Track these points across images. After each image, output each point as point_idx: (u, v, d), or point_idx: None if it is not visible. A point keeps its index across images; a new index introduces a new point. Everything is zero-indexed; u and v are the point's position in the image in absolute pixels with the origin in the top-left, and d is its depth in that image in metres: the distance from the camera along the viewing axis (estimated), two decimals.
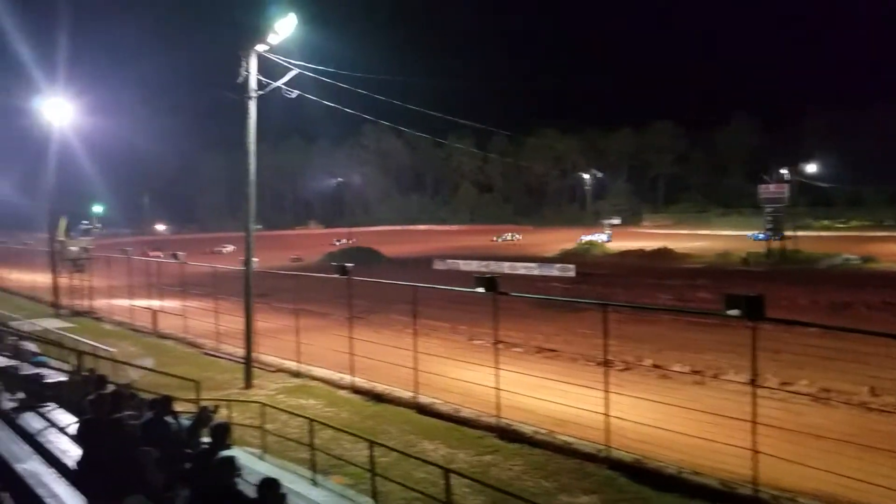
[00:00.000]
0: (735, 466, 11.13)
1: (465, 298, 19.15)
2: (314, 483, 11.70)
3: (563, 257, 70.81)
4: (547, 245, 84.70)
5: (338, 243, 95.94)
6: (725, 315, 10.83)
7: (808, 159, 79.98)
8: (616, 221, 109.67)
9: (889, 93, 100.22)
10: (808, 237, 67.92)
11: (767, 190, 63.33)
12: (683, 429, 12.74)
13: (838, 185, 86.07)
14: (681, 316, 27.10)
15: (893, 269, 51.03)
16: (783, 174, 66.25)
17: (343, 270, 19.91)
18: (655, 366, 21.22)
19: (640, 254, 69.15)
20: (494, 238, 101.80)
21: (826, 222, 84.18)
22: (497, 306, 15.24)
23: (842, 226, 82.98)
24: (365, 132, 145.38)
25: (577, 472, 12.33)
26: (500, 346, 15.68)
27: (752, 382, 10.96)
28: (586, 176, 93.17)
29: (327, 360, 20.63)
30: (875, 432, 14.17)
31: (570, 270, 54.94)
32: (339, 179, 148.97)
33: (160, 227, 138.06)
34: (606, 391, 12.74)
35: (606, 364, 13.29)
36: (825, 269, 54.02)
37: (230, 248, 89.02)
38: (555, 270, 56.37)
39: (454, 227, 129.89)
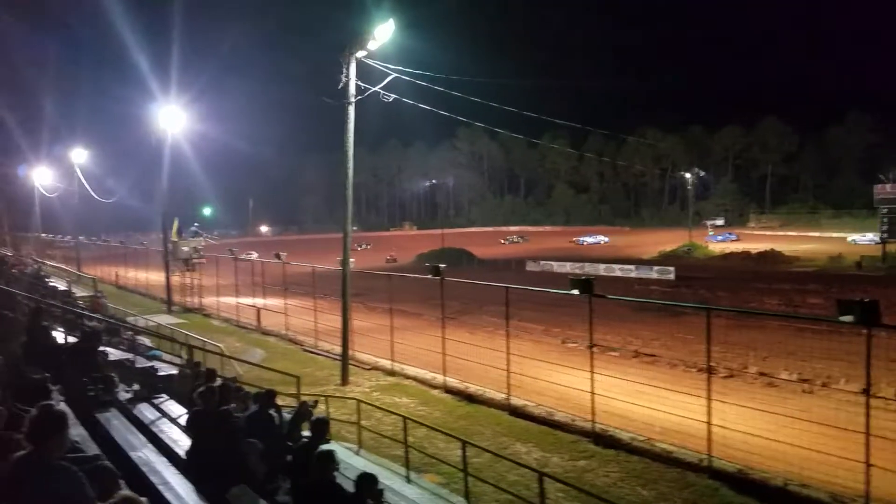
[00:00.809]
0: (846, 480, 10.47)
1: (559, 301, 18.96)
2: (408, 480, 11.85)
3: (663, 259, 68.81)
4: (645, 247, 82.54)
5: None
6: (838, 321, 10.23)
7: None
8: (719, 222, 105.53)
9: None
10: None
11: (884, 190, 59.31)
12: (790, 439, 12.09)
13: None
14: (789, 322, 25.75)
15: None
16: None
17: (436, 271, 20.11)
18: (761, 373, 20.28)
19: (745, 256, 66.27)
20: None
21: None
22: (592, 309, 14.96)
23: None
24: (459, 134, 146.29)
25: (676, 481, 11.94)
26: (596, 349, 15.39)
27: (866, 392, 10.29)
28: (688, 175, 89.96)
29: (420, 359, 20.87)
30: None
31: (670, 273, 53.29)
32: (433, 181, 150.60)
33: (264, 229, 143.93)
34: (709, 398, 12.27)
35: (709, 370, 12.80)
36: None
37: (364, 246, 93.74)
38: (653, 273, 54.84)
39: (548, 229, 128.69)
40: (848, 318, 9.99)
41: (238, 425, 7.43)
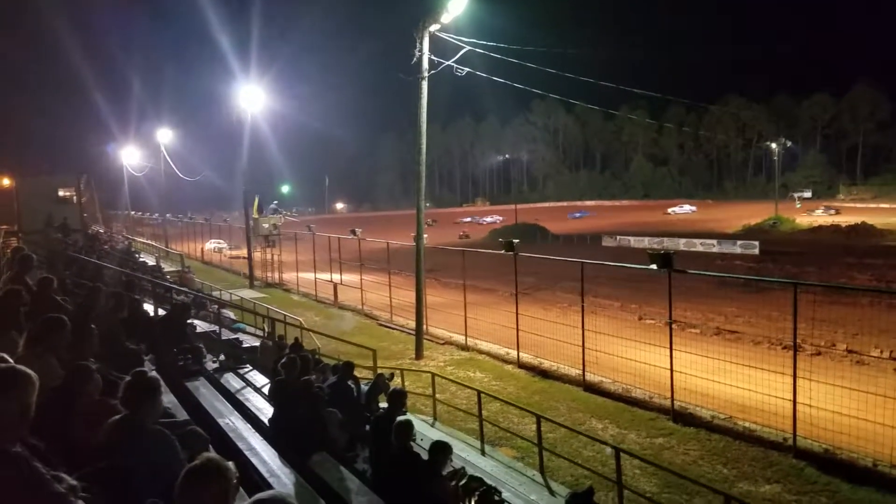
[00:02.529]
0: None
1: (637, 276, 18.56)
2: (483, 453, 11.96)
3: (747, 233, 66.36)
4: (728, 221, 79.75)
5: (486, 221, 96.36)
6: None
7: None
8: (807, 195, 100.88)
9: None
10: None
11: None
12: (881, 419, 11.55)
13: None
14: (881, 297, 24.49)
15: None
16: None
17: (510, 247, 20.02)
18: (850, 350, 19.40)
19: (834, 230, 63.19)
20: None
21: None
22: (671, 284, 14.61)
23: None
24: (533, 108, 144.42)
25: (759, 459, 11.61)
26: (675, 326, 15.05)
27: None
28: (774, 146, 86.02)
29: (494, 334, 20.91)
30: None
31: (754, 247, 51.40)
32: (507, 156, 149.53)
33: (339, 206, 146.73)
34: (795, 376, 11.84)
35: (795, 347, 12.32)
36: None
37: (492, 219, 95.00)
38: (737, 247, 53.00)
39: (625, 203, 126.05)
40: None
41: (319, 395, 7.65)
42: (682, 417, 13.77)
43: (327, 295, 31.80)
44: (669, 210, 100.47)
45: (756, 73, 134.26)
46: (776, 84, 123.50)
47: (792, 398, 11.78)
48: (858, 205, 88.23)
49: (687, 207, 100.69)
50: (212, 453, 3.04)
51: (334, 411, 7.42)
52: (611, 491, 9.53)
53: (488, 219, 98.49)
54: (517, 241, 20.95)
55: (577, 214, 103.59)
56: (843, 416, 11.47)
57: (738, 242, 55.07)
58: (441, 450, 6.32)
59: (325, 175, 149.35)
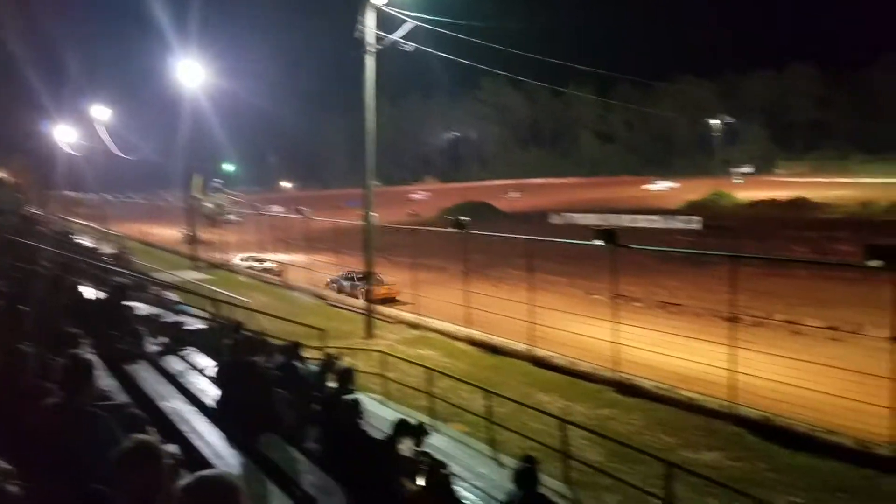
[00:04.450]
0: (873, 426, 10.44)
1: (584, 253, 18.86)
2: (434, 430, 12.02)
3: (690, 209, 67.90)
4: (673, 196, 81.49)
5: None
6: (866, 267, 10.08)
7: None
8: (749, 170, 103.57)
9: None
10: None
11: None
12: (817, 386, 12.03)
13: None
14: (816, 269, 25.42)
15: None
16: None
17: (459, 225, 20.05)
18: (788, 321, 20.10)
19: (773, 204, 65.14)
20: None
21: None
22: (616, 260, 14.87)
23: None
24: (482, 85, 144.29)
25: (701, 428, 11.99)
26: (620, 300, 15.35)
27: (894, 339, 10.18)
28: (717, 123, 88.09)
29: (445, 312, 21.00)
30: None
31: (697, 222, 52.66)
32: (456, 134, 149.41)
33: (286, 185, 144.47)
34: (732, 346, 12.23)
35: (733, 319, 12.72)
36: None
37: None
38: (679, 223, 54.21)
39: (573, 180, 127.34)
40: (876, 264, 9.83)
41: (266, 376, 7.54)
42: (627, 389, 14.11)
43: (275, 276, 31.39)
44: (647, 187, 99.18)
45: (702, 50, 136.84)
46: (722, 62, 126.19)
47: (731, 367, 12.17)
48: (797, 179, 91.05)
49: (664, 184, 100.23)
50: (147, 435, 2.96)
51: (282, 392, 7.34)
52: (559, 462, 9.71)
53: (417, 196, 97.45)
54: (467, 219, 21.01)
55: (517, 194, 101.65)
56: (781, 384, 11.90)
57: (681, 218, 56.33)
58: (402, 427, 6.38)
59: (271, 153, 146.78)
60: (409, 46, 20.03)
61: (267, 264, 33.90)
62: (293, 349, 9.27)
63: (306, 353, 10.53)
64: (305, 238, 31.96)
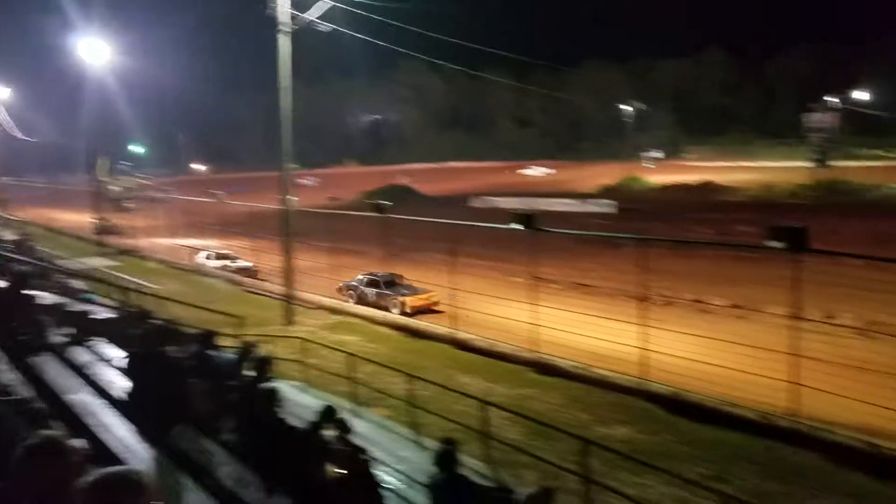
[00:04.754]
0: (775, 399, 11.08)
1: (504, 236, 19.10)
2: (355, 415, 11.98)
3: (604, 193, 69.78)
4: (587, 180, 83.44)
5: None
6: (767, 247, 10.63)
7: (860, 87, 76.60)
8: (660, 155, 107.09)
9: None
10: (859, 167, 65.57)
11: (813, 119, 61.31)
12: (723, 362, 12.66)
13: (890, 113, 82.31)
14: (722, 250, 26.63)
15: None
16: (831, 102, 63.87)
17: (379, 209, 19.95)
18: (696, 300, 21.01)
19: (682, 188, 67.75)
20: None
21: (879, 151, 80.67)
22: (534, 243, 15.14)
23: (894, 155, 79.44)
24: (402, 67, 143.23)
25: (614, 404, 12.42)
26: (538, 282, 15.65)
27: (794, 315, 10.79)
28: (623, 108, 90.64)
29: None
30: None
31: (610, 206, 54.21)
32: (376, 117, 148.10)
33: (198, 168, 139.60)
34: (643, 325, 12.69)
35: (644, 299, 13.19)
36: (873, 200, 52.26)
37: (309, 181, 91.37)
38: (594, 206, 55.68)
39: (492, 164, 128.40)
40: (776, 244, 10.37)
41: (179, 366, 7.31)
42: (545, 368, 14.45)
43: (188, 261, 30.40)
44: (523, 171, 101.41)
45: (614, 36, 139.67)
46: (632, 48, 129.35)
47: (642, 346, 12.63)
48: (704, 163, 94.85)
49: (540, 169, 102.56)
50: (52, 430, 2.81)
51: (196, 382, 7.13)
52: (480, 442, 9.85)
53: (306, 182, 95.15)
54: (388, 203, 20.93)
55: (405, 182, 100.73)
56: (689, 361, 12.45)
57: (596, 201, 57.90)
58: (322, 415, 6.31)
59: (182, 133, 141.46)
60: (326, 27, 19.65)
61: (241, 263, 29.21)
62: (207, 337, 9.02)
63: (222, 342, 10.26)
64: (222, 223, 31.07)
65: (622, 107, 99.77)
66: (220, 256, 29.46)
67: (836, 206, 47.10)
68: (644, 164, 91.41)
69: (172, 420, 6.27)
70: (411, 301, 20.71)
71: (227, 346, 10.81)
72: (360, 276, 22.81)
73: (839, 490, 9.06)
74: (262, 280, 26.63)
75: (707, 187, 66.17)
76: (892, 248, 27.73)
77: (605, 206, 54.84)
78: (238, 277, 24.01)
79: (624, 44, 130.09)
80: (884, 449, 9.85)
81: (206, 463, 5.44)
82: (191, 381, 7.13)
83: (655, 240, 17.07)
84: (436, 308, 20.92)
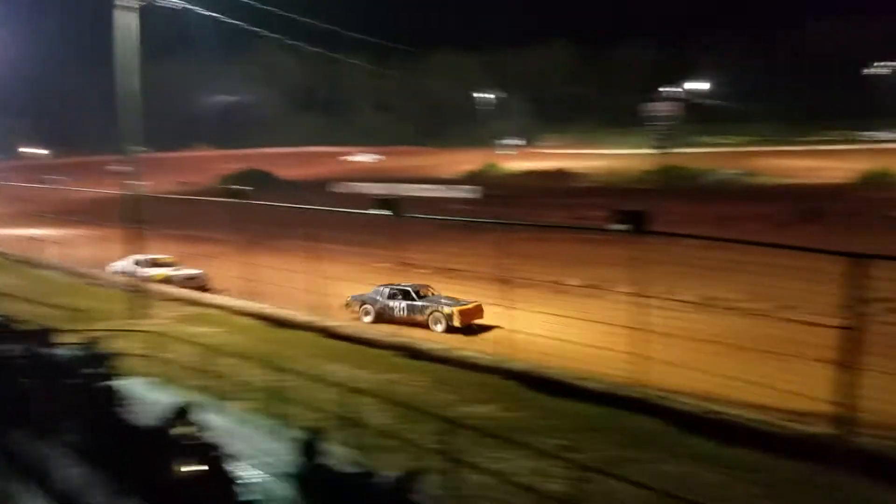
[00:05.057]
0: (627, 371, 11.80)
1: (369, 222, 19.02)
2: (214, 409, 11.52)
3: (466, 179, 71.21)
4: (449, 167, 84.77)
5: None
6: (614, 230, 11.29)
7: (698, 78, 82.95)
8: (518, 142, 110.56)
9: (770, 13, 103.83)
10: (697, 154, 71.04)
11: (654, 108, 65.79)
12: (580, 339, 13.33)
13: (727, 103, 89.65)
14: (577, 233, 27.98)
15: (772, 183, 54.36)
16: (671, 92, 68.82)
17: (238, 195, 19.24)
18: (554, 281, 21.95)
19: (538, 174, 70.50)
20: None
21: (716, 138, 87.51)
22: (400, 229, 15.21)
23: (728, 142, 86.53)
24: (258, 48, 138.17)
25: (477, 384, 12.74)
26: (404, 267, 15.74)
27: (640, 293, 11.54)
28: (481, 96, 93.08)
29: (226, 286, 20.14)
30: (752, 335, 15.32)
31: (473, 191, 55.43)
32: (231, 98, 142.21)
33: (36, 152, 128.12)
34: (505, 306, 13.10)
35: (506, 281, 13.62)
36: (708, 184, 56.85)
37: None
38: (456, 192, 56.70)
39: (351, 149, 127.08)
40: (622, 227, 11.06)
41: (11, 366, 6.70)
42: (412, 352, 14.58)
43: (23, 252, 27.91)
44: (348, 158, 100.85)
45: (469, 23, 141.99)
46: (489, 36, 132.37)
47: (504, 326, 13.07)
48: (559, 151, 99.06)
49: (368, 156, 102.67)
50: None
51: (32, 382, 6.56)
52: (347, 429, 9.77)
53: (116, 168, 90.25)
54: (247, 188, 20.21)
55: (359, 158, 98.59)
56: (548, 338, 13.01)
57: (459, 187, 59.03)
58: (173, 411, 5.97)
59: (9, 115, 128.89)
60: (177, 4, 18.61)
61: (186, 271, 24.09)
62: (43, 335, 8.33)
63: (62, 339, 9.50)
64: (62, 211, 28.75)
65: (479, 95, 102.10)
66: (155, 264, 23.67)
67: (676, 190, 50.83)
68: (503, 152, 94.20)
69: (7, 422, 5.74)
70: (460, 313, 17.74)
71: (68, 343, 10.03)
72: (379, 288, 19.47)
73: (682, 454, 9.77)
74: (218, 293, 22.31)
75: (561, 174, 69.32)
76: (725, 229, 30.33)
77: (467, 192, 55.96)
78: (185, 291, 20.93)
79: (477, 31, 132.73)
80: (720, 414, 10.75)
81: (45, 467, 5.02)
82: (25, 382, 6.57)
83: (516, 224, 17.65)
84: (481, 320, 18.06)
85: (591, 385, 12.06)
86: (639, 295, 11.71)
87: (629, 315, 11.99)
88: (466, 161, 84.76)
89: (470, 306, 18.03)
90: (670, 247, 17.22)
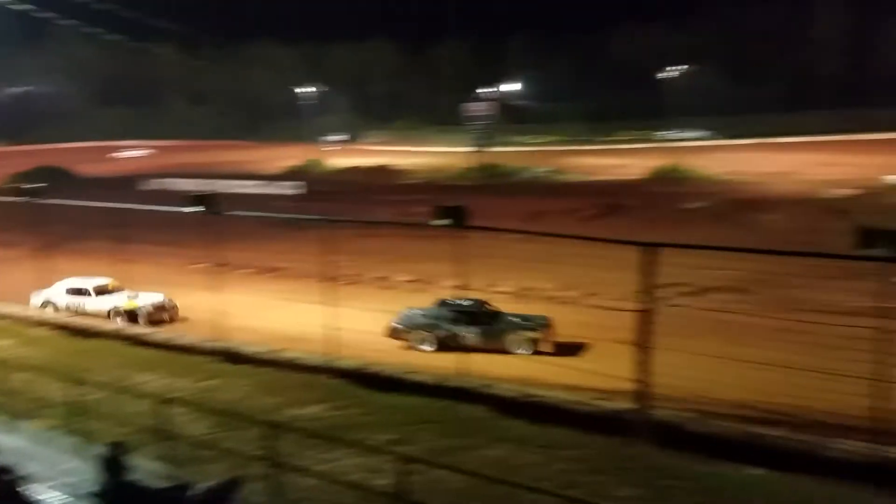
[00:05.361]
0: (449, 363, 12.16)
1: (184, 220, 17.93)
2: (6, 430, 10.42)
3: (288, 175, 69.66)
4: (270, 162, 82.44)
5: None
6: (437, 225, 11.61)
7: (512, 79, 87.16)
8: (342, 138, 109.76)
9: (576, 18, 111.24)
10: (513, 152, 74.64)
11: (471, 108, 68.57)
12: None
13: (537, 103, 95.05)
14: (399, 229, 28.28)
15: (577, 180, 58.42)
16: (487, 92, 72.01)
17: (31, 193, 17.46)
18: (381, 277, 22.10)
19: (363, 170, 70.62)
20: None
21: (528, 138, 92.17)
22: (217, 227, 14.54)
23: (539, 141, 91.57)
24: (54, 35, 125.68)
25: (304, 385, 12.52)
26: (224, 268, 15.08)
27: (463, 286, 11.96)
28: (304, 90, 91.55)
29: (24, 294, 18.23)
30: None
31: (296, 188, 54.38)
32: (22, 90, 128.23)
33: None
34: (331, 305, 13.00)
35: (332, 279, 13.51)
36: (524, 182, 59.98)
37: None
38: (279, 188, 55.34)
39: (163, 143, 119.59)
40: (443, 222, 11.41)
41: None
42: (233, 356, 14.03)
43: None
44: (115, 155, 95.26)
45: (295, 16, 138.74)
46: (315, 29, 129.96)
47: (331, 325, 12.95)
48: (383, 147, 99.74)
49: (138, 151, 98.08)
50: None
51: None
52: (159, 442, 9.20)
53: None
54: (42, 184, 18.38)
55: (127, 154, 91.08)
56: (375, 336, 13.08)
57: (281, 183, 57.67)
58: None
59: None
60: None
61: (150, 299, 18.71)
62: None
63: None
64: None
65: (302, 89, 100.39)
66: (102, 291, 18.88)
67: (493, 187, 53.09)
68: (327, 148, 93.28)
69: None
70: (546, 337, 15.65)
71: None
72: (434, 309, 16.57)
73: (506, 437, 10.23)
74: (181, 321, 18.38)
75: (385, 170, 70.01)
76: (538, 223, 32.12)
77: (289, 188, 54.83)
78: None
79: (299, 25, 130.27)
80: (538, 397, 11.40)
81: None
82: None
83: (341, 220, 17.52)
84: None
85: (420, 378, 12.30)
86: (463, 288, 12.10)
87: None
88: (289, 156, 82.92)
89: (549, 325, 16.05)
90: (491, 241, 18.02)
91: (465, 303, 15.86)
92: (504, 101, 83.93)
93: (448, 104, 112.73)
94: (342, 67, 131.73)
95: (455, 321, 15.99)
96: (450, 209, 11.49)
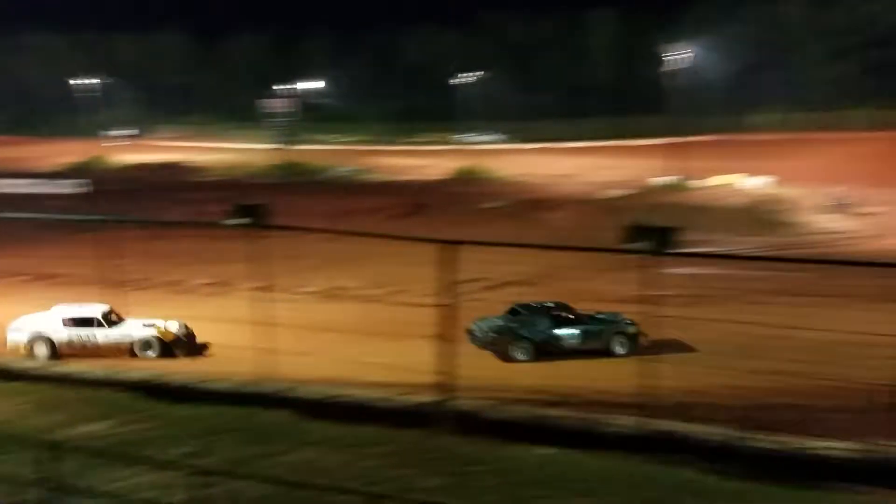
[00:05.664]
0: (259, 366, 11.79)
1: None
2: None
3: (68, 172, 63.54)
4: (45, 159, 74.60)
5: None
6: (230, 225, 11.24)
7: (313, 77, 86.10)
8: (132, 132, 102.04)
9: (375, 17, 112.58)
10: (316, 151, 73.76)
11: (270, 104, 67.24)
12: (209, 339, 12.85)
13: (340, 102, 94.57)
14: (196, 230, 26.91)
15: (381, 180, 59.28)
16: (286, 89, 70.87)
17: None
18: (174, 281, 20.90)
19: (155, 167, 66.39)
20: None
21: (331, 136, 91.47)
22: None
23: (342, 140, 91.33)
24: None
25: (89, 400, 11.49)
26: None
27: (266, 288, 11.67)
28: (85, 82, 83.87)
29: None
30: (372, 320, 16.60)
31: (77, 186, 49.73)
32: None
33: None
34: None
35: (119, 284, 12.57)
36: (328, 180, 59.65)
37: None
38: (57, 187, 50.26)
39: None
40: (241, 221, 11.09)
41: None
42: (4, 373, 12.56)
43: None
44: None
45: (72, 3, 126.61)
46: (96, 18, 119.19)
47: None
48: (176, 143, 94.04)
49: None
50: None
51: None
52: None
53: None
54: None
55: None
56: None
57: (59, 181, 52.60)
58: None
59: None
60: None
61: (171, 325, 15.02)
62: None
63: None
64: None
65: (82, 81, 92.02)
66: (109, 321, 14.96)
67: (296, 185, 52.31)
68: (112, 143, 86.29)
69: None
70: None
71: None
72: (511, 316, 14.94)
73: (309, 441, 10.06)
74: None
75: (178, 167, 66.49)
76: (344, 222, 32.14)
77: (68, 187, 50.02)
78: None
79: (77, 12, 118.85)
80: (343, 397, 11.41)
81: None
82: None
83: (126, 221, 16.29)
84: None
85: (216, 386, 11.80)
86: (265, 290, 11.79)
87: (255, 311, 11.98)
88: (68, 152, 75.63)
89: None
90: (297, 241, 17.75)
91: (550, 304, 15.18)
92: (305, 99, 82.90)
93: (245, 100, 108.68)
94: (128, 59, 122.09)
95: (551, 325, 15.05)
96: (248, 208, 11.11)
